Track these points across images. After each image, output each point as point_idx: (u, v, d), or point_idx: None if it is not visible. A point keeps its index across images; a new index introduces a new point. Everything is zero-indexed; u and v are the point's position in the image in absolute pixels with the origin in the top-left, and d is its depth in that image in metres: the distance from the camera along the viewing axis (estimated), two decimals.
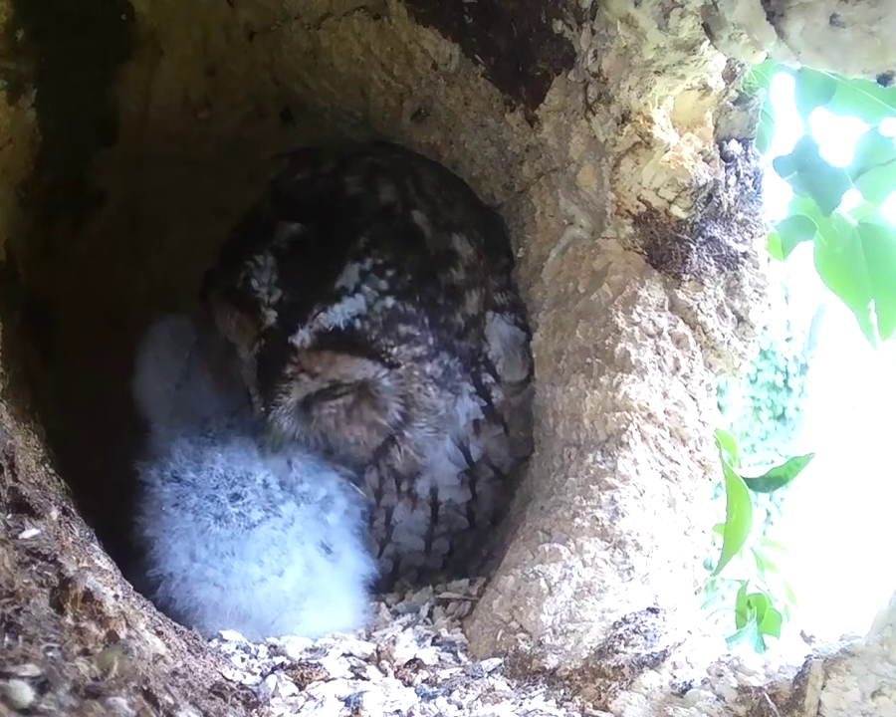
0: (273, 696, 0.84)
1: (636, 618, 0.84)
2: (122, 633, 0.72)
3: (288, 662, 0.93)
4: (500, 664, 0.91)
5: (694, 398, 1.06)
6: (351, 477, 1.17)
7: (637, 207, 1.04)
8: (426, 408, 1.15)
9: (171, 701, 0.66)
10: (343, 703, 0.83)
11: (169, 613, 0.96)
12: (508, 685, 0.86)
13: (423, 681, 0.90)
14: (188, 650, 0.85)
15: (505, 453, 1.25)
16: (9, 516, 0.78)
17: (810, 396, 4.21)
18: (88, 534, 0.94)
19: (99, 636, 0.69)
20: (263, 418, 1.09)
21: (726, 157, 1.04)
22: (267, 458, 1.10)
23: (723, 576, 1.31)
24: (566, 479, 1.07)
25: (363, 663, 0.95)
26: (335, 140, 1.40)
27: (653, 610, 0.85)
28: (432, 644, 1.01)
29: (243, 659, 0.95)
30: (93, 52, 1.15)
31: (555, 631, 0.90)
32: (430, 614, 1.13)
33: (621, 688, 0.77)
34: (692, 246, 1.05)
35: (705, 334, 1.06)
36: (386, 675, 0.92)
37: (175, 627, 0.90)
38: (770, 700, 0.69)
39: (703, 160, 1.02)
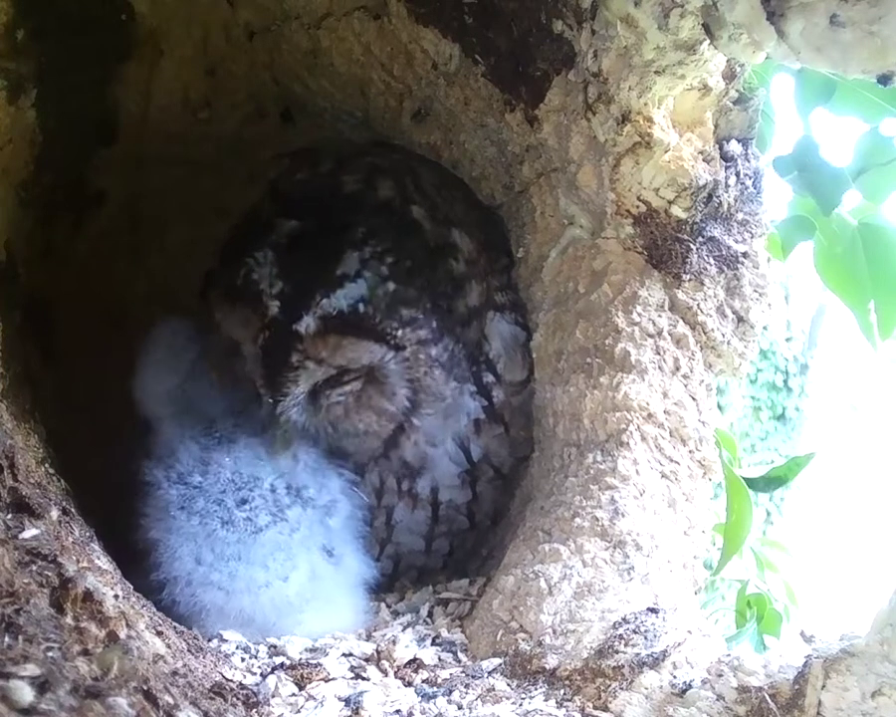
0: (273, 696, 0.84)
1: (636, 618, 0.84)
2: (122, 633, 0.72)
3: (288, 662, 0.93)
4: (500, 664, 0.90)
5: (694, 398, 1.06)
6: (354, 480, 1.17)
7: (637, 207, 1.04)
8: (433, 394, 1.15)
9: (171, 701, 0.66)
10: (343, 703, 0.83)
11: (173, 616, 0.95)
12: (508, 685, 0.86)
13: (423, 681, 0.90)
14: (188, 650, 0.85)
15: (505, 453, 1.25)
16: (9, 516, 0.78)
17: (810, 396, 4.21)
18: (88, 534, 0.94)
19: (99, 636, 0.69)
20: (272, 411, 1.09)
21: (726, 157, 1.04)
22: (276, 456, 1.09)
23: (723, 576, 1.31)
24: (566, 479, 1.07)
25: (363, 663, 0.95)
26: (334, 140, 1.40)
27: (653, 610, 0.85)
28: (432, 644, 1.01)
29: (243, 659, 0.95)
30: (93, 52, 1.15)
31: (555, 631, 0.90)
32: (430, 614, 1.13)
33: (621, 688, 0.77)
34: (692, 246, 1.05)
35: (705, 334, 1.06)
36: (386, 675, 0.92)
37: (175, 627, 0.90)
38: (770, 700, 0.69)
39: (703, 160, 1.02)
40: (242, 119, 1.37)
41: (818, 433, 4.39)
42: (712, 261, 1.06)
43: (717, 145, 1.04)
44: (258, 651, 0.97)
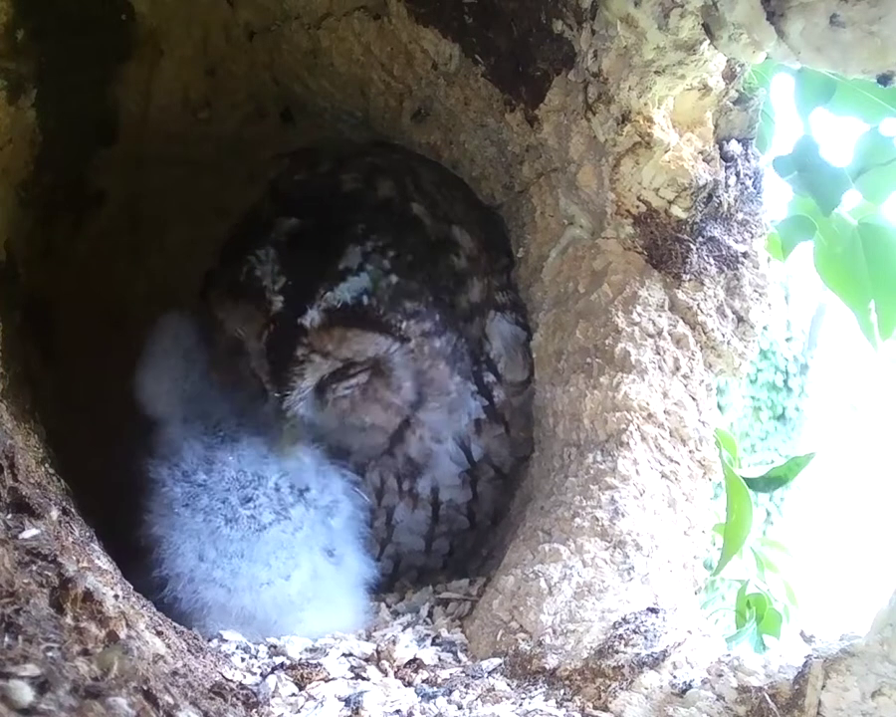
0: (273, 696, 0.84)
1: (636, 618, 0.84)
2: (122, 633, 0.72)
3: (288, 662, 0.93)
4: (500, 664, 0.90)
5: (694, 398, 1.06)
6: (355, 480, 1.17)
7: (637, 207, 1.04)
8: (439, 387, 1.15)
9: (171, 701, 0.66)
10: (343, 703, 0.83)
11: (174, 613, 0.96)
12: (508, 685, 0.86)
13: (423, 681, 0.90)
14: (188, 650, 0.85)
15: (506, 453, 1.25)
16: (9, 516, 0.78)
17: (810, 396, 4.21)
18: (88, 534, 0.93)
19: (99, 636, 0.69)
20: (278, 407, 1.09)
21: (726, 157, 1.04)
22: (283, 452, 1.09)
23: (723, 576, 1.31)
24: (566, 479, 1.07)
25: (363, 663, 0.95)
26: (334, 140, 1.40)
27: (653, 610, 0.85)
28: (432, 644, 1.01)
29: (243, 659, 0.95)
30: (93, 52, 1.15)
31: (555, 631, 0.90)
32: (430, 614, 1.13)
33: (621, 688, 0.77)
34: (692, 246, 1.05)
35: (705, 334, 1.06)
36: (386, 675, 0.92)
37: (175, 627, 0.90)
38: (770, 700, 0.69)
39: (703, 160, 1.02)
40: (242, 119, 1.37)
41: (818, 433, 4.39)
42: (712, 261, 1.06)
43: (717, 145, 1.04)
44: (258, 651, 0.97)
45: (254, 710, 0.78)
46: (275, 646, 0.99)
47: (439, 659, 0.96)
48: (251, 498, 1.06)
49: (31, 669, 0.58)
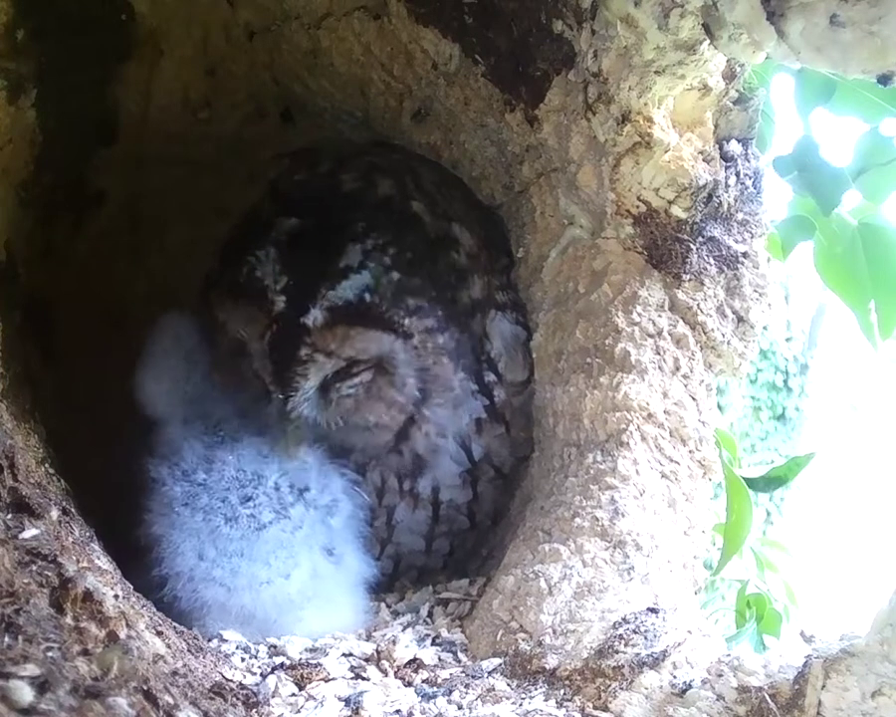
0: (273, 696, 0.84)
1: (636, 618, 0.84)
2: (122, 633, 0.72)
3: (288, 662, 0.93)
4: (500, 664, 0.90)
5: (694, 398, 1.06)
6: (356, 480, 1.17)
7: (637, 207, 1.04)
8: (443, 384, 1.15)
9: (171, 701, 0.66)
10: (343, 703, 0.83)
11: (174, 612, 0.96)
12: (508, 685, 0.86)
13: (423, 681, 0.90)
14: (188, 650, 0.85)
15: (506, 453, 1.25)
16: (9, 516, 0.78)
17: (810, 396, 4.21)
18: (88, 534, 0.94)
19: (99, 636, 0.69)
20: (282, 408, 1.09)
21: (726, 157, 1.04)
22: (288, 453, 1.09)
23: (723, 576, 1.31)
24: (566, 479, 1.07)
25: (363, 663, 0.95)
26: (334, 140, 1.40)
27: (653, 610, 0.85)
28: (432, 644, 1.01)
29: (243, 659, 0.95)
30: (93, 52, 1.15)
31: (555, 631, 0.90)
32: (430, 614, 1.13)
33: (621, 688, 0.77)
34: (692, 246, 1.05)
35: (705, 334, 1.06)
36: (386, 675, 0.92)
37: (175, 627, 0.90)
38: (770, 700, 0.69)
39: (703, 160, 1.02)
40: (242, 119, 1.37)
41: (818, 433, 4.39)
42: (712, 261, 1.06)
43: (717, 145, 1.04)
44: (258, 651, 0.97)
45: (254, 710, 0.78)
46: (275, 646, 0.99)
47: (439, 659, 0.96)
48: (251, 497, 1.06)
49: (31, 669, 0.58)
